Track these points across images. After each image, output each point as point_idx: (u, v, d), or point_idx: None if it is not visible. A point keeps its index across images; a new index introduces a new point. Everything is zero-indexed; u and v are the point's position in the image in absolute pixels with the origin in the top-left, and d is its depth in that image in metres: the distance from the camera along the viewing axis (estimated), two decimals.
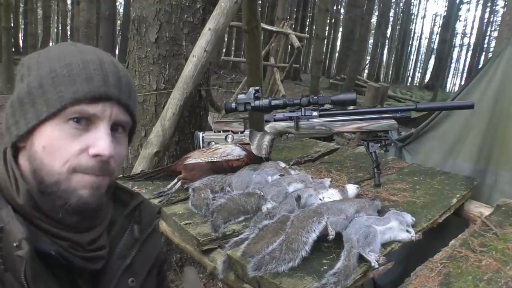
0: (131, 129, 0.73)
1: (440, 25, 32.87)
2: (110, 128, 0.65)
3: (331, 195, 1.34)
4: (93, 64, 0.64)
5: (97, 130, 0.64)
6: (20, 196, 0.63)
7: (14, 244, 0.57)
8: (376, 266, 1.02)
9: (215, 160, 1.54)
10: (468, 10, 43.61)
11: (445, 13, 30.16)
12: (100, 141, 0.63)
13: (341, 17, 29.14)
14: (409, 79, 46.04)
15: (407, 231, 1.18)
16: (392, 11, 36.74)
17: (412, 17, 41.52)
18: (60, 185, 0.63)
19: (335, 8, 28.38)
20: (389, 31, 37.19)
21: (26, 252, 0.56)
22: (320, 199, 1.33)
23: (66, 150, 0.62)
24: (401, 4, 38.44)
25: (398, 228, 1.17)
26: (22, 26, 21.39)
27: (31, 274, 0.57)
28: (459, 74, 50.16)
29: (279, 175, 1.48)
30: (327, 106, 1.69)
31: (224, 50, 20.37)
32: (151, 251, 0.79)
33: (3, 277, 0.58)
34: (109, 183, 0.68)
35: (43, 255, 0.59)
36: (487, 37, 32.79)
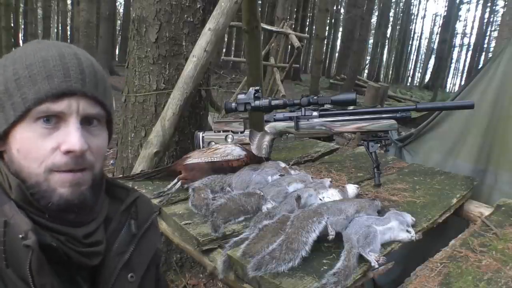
0: (109, 119, 0.72)
1: (440, 25, 32.88)
2: (80, 122, 0.65)
3: (331, 195, 1.34)
4: (53, 60, 0.63)
5: (66, 127, 0.63)
6: (12, 191, 0.64)
7: (20, 236, 0.58)
8: (376, 266, 1.02)
9: (215, 160, 1.54)
10: (468, 10, 43.62)
11: (445, 13, 30.18)
12: (69, 137, 0.63)
13: (341, 17, 29.14)
14: (409, 79, 46.07)
15: (407, 231, 1.18)
16: (392, 11, 36.77)
17: (412, 17, 41.52)
18: (40, 185, 0.63)
19: (335, 8, 28.37)
20: (389, 31, 37.23)
21: (34, 241, 0.57)
22: (320, 199, 1.33)
23: (39, 150, 0.62)
24: (401, 4, 38.46)
25: (398, 228, 1.17)
26: (22, 26, 21.38)
27: (36, 266, 0.57)
28: (459, 74, 50.20)
29: (279, 175, 1.48)
30: (327, 106, 1.69)
31: (224, 50, 20.37)
32: (149, 246, 0.79)
33: (4, 274, 0.58)
34: (92, 178, 0.68)
35: (44, 247, 0.60)
36: (487, 37, 32.81)
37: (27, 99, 0.61)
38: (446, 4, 30.79)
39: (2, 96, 0.63)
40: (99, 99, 0.67)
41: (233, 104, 1.75)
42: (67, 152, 0.62)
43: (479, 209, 1.62)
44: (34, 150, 0.62)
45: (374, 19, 29.67)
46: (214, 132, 1.75)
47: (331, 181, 1.46)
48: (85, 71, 0.65)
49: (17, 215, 0.60)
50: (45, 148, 0.62)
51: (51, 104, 0.62)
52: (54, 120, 0.63)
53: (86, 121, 0.66)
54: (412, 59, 47.44)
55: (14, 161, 0.64)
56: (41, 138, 0.62)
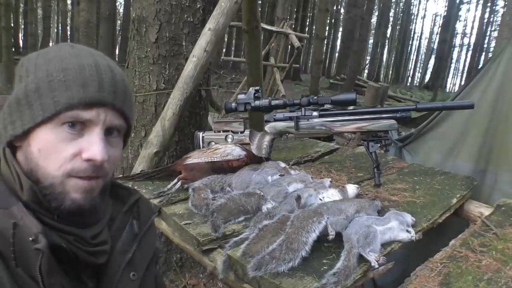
0: (126, 132, 0.74)
1: (440, 25, 32.86)
2: (104, 132, 0.66)
3: (331, 195, 1.34)
4: (90, 69, 0.64)
5: (91, 135, 0.65)
6: (24, 192, 0.64)
7: (30, 239, 0.58)
8: (376, 266, 1.02)
9: (215, 160, 1.54)
10: (468, 10, 43.56)
11: (445, 13, 30.17)
12: (93, 146, 0.64)
13: (341, 17, 29.13)
14: (409, 79, 45.98)
15: (407, 231, 1.18)
16: (392, 11, 36.72)
17: (412, 17, 41.45)
18: (55, 188, 0.64)
19: (335, 8, 28.34)
20: (389, 31, 37.18)
21: (44, 245, 0.58)
22: (320, 199, 1.33)
23: (60, 154, 0.63)
24: (401, 4, 38.43)
25: (398, 228, 1.17)
26: (22, 26, 21.38)
27: (46, 267, 0.58)
28: (459, 74, 50.11)
29: (279, 175, 1.48)
30: (327, 106, 1.69)
31: (224, 50, 20.36)
32: (150, 246, 0.81)
33: (14, 273, 0.59)
34: (104, 184, 0.70)
35: (54, 248, 0.61)
36: (487, 37, 32.78)
37: (59, 103, 0.62)
38: (446, 4, 30.79)
39: (32, 94, 0.63)
40: (125, 113, 0.69)
41: (233, 104, 1.75)
42: (88, 160, 0.64)
43: (479, 209, 1.62)
44: (55, 152, 0.63)
45: (374, 19, 29.65)
46: (214, 132, 1.75)
47: (331, 181, 1.46)
48: (118, 84, 0.67)
49: (26, 217, 0.60)
50: (67, 153, 0.63)
51: (81, 111, 0.63)
52: (79, 126, 0.64)
53: (108, 131, 0.67)
54: (412, 59, 47.41)
55: (32, 160, 0.64)
56: (64, 142, 0.63)
